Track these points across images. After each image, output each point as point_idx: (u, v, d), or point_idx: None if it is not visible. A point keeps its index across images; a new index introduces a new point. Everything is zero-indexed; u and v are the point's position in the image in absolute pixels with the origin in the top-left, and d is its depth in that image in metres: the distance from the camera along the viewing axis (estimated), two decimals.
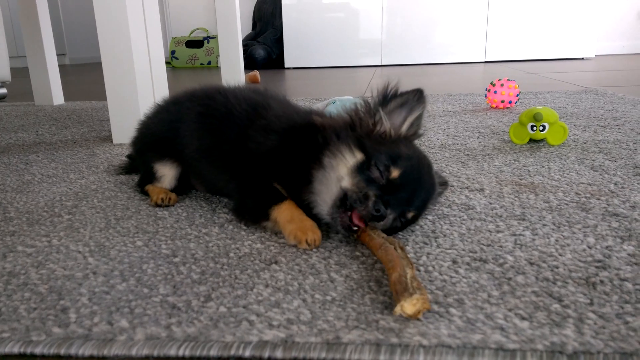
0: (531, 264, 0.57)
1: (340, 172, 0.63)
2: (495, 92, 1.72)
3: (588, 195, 0.80)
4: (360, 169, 0.62)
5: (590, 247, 0.60)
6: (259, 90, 0.83)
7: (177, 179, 0.82)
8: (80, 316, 0.47)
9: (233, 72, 2.10)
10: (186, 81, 3.45)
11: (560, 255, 0.59)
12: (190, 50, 4.71)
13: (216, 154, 0.76)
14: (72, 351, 0.43)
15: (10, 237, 0.68)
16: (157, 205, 0.78)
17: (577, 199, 0.78)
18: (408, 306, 0.46)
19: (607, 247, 0.60)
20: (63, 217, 0.75)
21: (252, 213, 0.69)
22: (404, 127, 0.68)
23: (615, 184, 0.85)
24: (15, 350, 0.43)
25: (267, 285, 0.53)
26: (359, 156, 0.63)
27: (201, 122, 0.78)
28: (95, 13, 1.20)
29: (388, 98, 0.66)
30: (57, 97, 2.15)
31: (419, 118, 0.69)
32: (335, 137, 0.66)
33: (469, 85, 2.52)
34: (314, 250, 0.61)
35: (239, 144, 0.73)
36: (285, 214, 0.65)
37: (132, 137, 0.88)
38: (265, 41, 4.51)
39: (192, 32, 4.88)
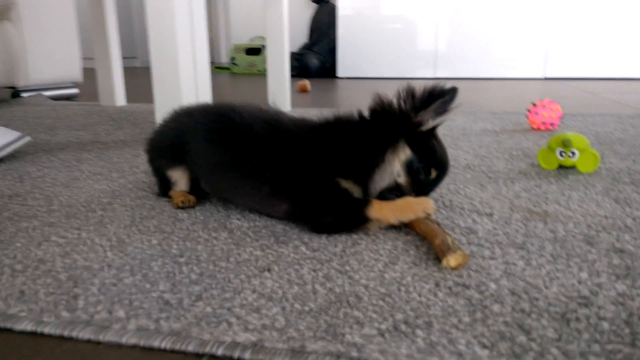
0: (513, 293, 0.58)
1: (396, 168, 0.76)
2: (536, 113, 1.69)
3: (600, 228, 0.79)
4: (410, 168, 0.76)
5: (580, 282, 0.61)
6: (264, 108, 0.88)
7: (191, 181, 0.88)
8: (87, 304, 0.54)
9: (279, 80, 2.17)
10: (245, 85, 3.58)
11: (546, 287, 0.60)
12: (249, 57, 4.88)
13: (243, 170, 0.81)
14: (74, 334, 0.49)
15: (48, 227, 0.77)
16: (178, 207, 0.85)
17: (587, 231, 0.78)
18: (452, 260, 0.63)
19: (597, 284, 0.61)
20: (96, 213, 0.83)
21: (344, 225, 0.75)
22: (435, 122, 0.78)
23: (634, 218, 0.84)
24: (29, 328, 0.50)
25: (254, 291, 0.58)
26: (408, 153, 0.76)
27: (218, 138, 0.83)
28: (148, 22, 1.28)
29: (432, 99, 0.76)
30: (120, 98, 2.31)
31: (448, 114, 0.79)
32: (390, 129, 0.76)
33: (518, 103, 2.47)
34: (307, 261, 0.66)
35: (273, 159, 0.78)
36: (381, 207, 0.74)
37: (145, 146, 0.94)
38: (320, 51, 4.60)
39: (252, 40, 5.05)
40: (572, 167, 1.16)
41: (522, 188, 1.01)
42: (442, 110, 0.76)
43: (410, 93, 0.76)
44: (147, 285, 0.58)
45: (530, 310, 0.55)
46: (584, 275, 0.63)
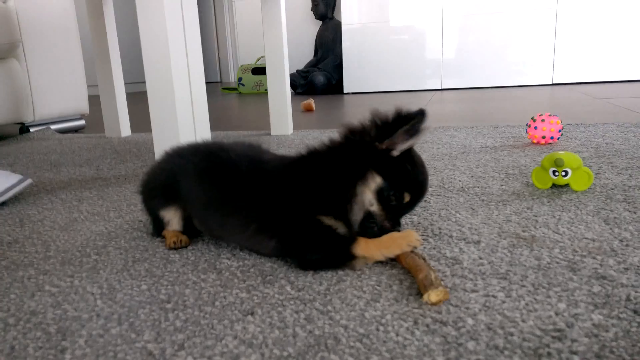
0: (489, 329, 0.59)
1: (367, 198, 0.76)
2: (535, 127, 1.69)
3: (585, 253, 0.79)
4: (381, 195, 0.76)
5: (557, 314, 0.62)
6: (251, 145, 0.91)
7: (184, 220, 0.90)
8: (73, 357, 0.56)
9: (280, 101, 2.20)
10: (251, 106, 3.62)
11: (523, 321, 0.60)
12: (256, 77, 4.95)
13: (231, 209, 0.83)
14: None
15: (43, 275, 0.79)
16: (171, 248, 0.87)
17: (572, 257, 0.78)
18: (433, 295, 0.64)
19: (574, 315, 0.61)
20: (91, 258, 0.86)
21: (331, 262, 0.77)
22: (406, 145, 0.77)
23: (621, 240, 0.84)
24: None
25: (235, 337, 0.59)
26: (378, 180, 0.75)
27: (207, 177, 0.86)
28: (142, 47, 1.30)
29: (398, 124, 0.75)
30: (125, 129, 2.36)
31: (419, 137, 0.77)
32: (357, 160, 0.76)
33: (522, 115, 2.47)
34: (291, 302, 0.67)
35: (258, 198, 0.80)
36: (367, 244, 0.75)
37: (138, 187, 0.96)
38: (326, 67, 4.64)
39: (257, 60, 5.12)
40: (566, 186, 1.17)
41: (513, 211, 1.01)
42: (412, 134, 0.75)
43: (374, 121, 0.77)
44: (133, 335, 0.60)
45: (504, 346, 0.55)
46: (562, 305, 0.63)
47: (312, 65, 4.85)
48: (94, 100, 2.70)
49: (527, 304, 0.64)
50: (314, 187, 0.77)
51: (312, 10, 4.92)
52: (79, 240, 0.95)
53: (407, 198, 0.76)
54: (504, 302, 0.65)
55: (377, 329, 0.60)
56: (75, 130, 2.72)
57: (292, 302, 0.67)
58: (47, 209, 1.16)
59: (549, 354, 0.54)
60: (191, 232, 0.92)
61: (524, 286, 0.69)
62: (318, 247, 0.77)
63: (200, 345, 0.58)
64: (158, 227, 0.92)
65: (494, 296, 0.67)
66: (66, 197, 1.27)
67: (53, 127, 2.58)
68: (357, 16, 4.40)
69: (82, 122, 2.77)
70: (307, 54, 5.19)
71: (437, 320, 0.61)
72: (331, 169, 0.78)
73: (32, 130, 2.47)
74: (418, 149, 0.81)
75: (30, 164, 1.75)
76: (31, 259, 0.86)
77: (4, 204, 1.21)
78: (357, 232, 0.80)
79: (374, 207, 0.77)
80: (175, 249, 0.88)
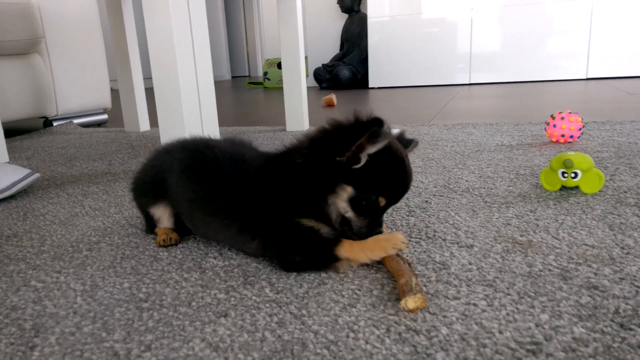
0: (462, 339, 0.57)
1: (341, 206, 0.74)
2: (554, 125, 1.63)
3: (581, 260, 0.76)
4: (354, 203, 0.73)
5: (537, 326, 0.59)
6: (234, 141, 0.90)
7: (174, 217, 0.90)
8: (41, 355, 0.57)
9: (295, 96, 2.19)
10: (274, 99, 3.62)
11: (500, 332, 0.58)
12: (281, 71, 4.94)
13: (213, 207, 0.83)
14: None
15: (32, 270, 0.81)
16: (160, 245, 0.88)
17: (566, 264, 0.75)
18: (411, 302, 0.62)
19: (555, 327, 0.58)
20: (82, 253, 0.87)
21: (313, 264, 0.76)
22: (370, 152, 0.70)
23: (622, 247, 0.80)
24: None
25: (203, 340, 0.59)
26: (349, 190, 0.73)
27: (192, 174, 0.85)
28: (148, 41, 1.30)
29: (354, 135, 0.69)
30: (144, 123, 2.39)
31: (384, 140, 0.70)
32: (322, 175, 0.73)
33: (548, 112, 2.39)
34: (266, 305, 0.66)
35: (239, 197, 0.79)
36: (351, 246, 0.74)
37: (130, 184, 0.97)
38: (351, 61, 4.60)
39: None
40: (576, 188, 1.12)
41: (515, 214, 0.98)
42: (373, 142, 0.68)
43: (331, 134, 0.72)
44: (104, 334, 0.60)
45: (474, 359, 0.53)
46: (544, 317, 0.61)
47: (338, 59, 4.82)
48: (117, 95, 2.75)
49: (507, 314, 0.62)
50: (289, 191, 0.76)
51: (338, 3, 4.88)
52: (74, 236, 0.96)
53: (382, 202, 0.73)
54: (484, 311, 0.63)
55: (347, 336, 0.59)
56: (98, 124, 2.78)
57: (267, 305, 0.66)
58: (52, 203, 1.19)
59: None
60: (183, 230, 0.92)
61: (508, 294, 0.66)
62: (300, 249, 0.75)
63: (167, 347, 0.57)
64: (150, 224, 0.92)
65: (474, 304, 0.64)
66: (73, 191, 1.30)
67: (76, 121, 2.64)
68: (387, 9, 4.34)
69: (105, 116, 2.82)
70: (333, 48, 5.15)
71: (411, 328, 0.59)
72: (301, 181, 0.75)
73: (55, 124, 2.53)
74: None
75: (47, 158, 1.79)
76: (25, 254, 0.88)
77: (12, 197, 1.24)
78: (341, 233, 0.78)
79: (349, 214, 0.75)
80: (165, 246, 0.88)
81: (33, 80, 2.35)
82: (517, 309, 0.63)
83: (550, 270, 0.73)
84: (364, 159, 0.71)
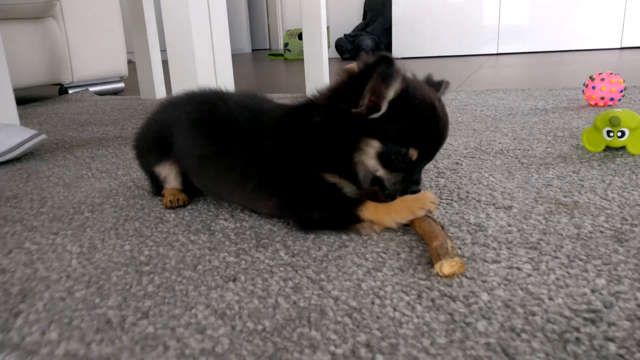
0: (507, 306, 0.49)
1: (370, 164, 0.66)
2: (593, 87, 1.50)
3: (637, 222, 0.66)
4: (384, 159, 0.65)
5: (593, 292, 0.50)
6: (248, 93, 0.81)
7: (182, 176, 0.82)
8: (25, 322, 0.50)
9: (316, 66, 2.09)
10: (295, 71, 3.53)
11: (550, 299, 0.50)
12: (302, 42, 4.81)
13: (227, 164, 0.75)
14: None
15: (28, 232, 0.75)
16: (167, 207, 0.81)
17: (619, 226, 0.65)
18: (447, 266, 0.54)
19: (614, 294, 0.50)
20: (83, 215, 0.80)
21: (333, 223, 0.68)
22: (390, 96, 0.62)
23: None
24: None
25: (208, 306, 0.52)
26: (376, 145, 0.65)
27: (202, 129, 0.78)
28: (162, 11, 1.23)
29: (362, 81, 0.62)
30: (160, 91, 2.32)
31: (396, 79, 0.62)
32: (344, 128, 0.65)
33: (583, 77, 2.25)
34: (280, 269, 0.59)
35: (257, 152, 0.72)
36: (376, 208, 0.66)
37: (132, 141, 0.89)
38: (374, 31, 4.45)
39: None
40: (622, 148, 1.02)
41: (556, 175, 0.88)
42: (387, 82, 0.61)
43: (340, 85, 0.65)
44: (97, 300, 0.54)
45: (522, 328, 0.45)
46: (600, 282, 0.52)
47: (361, 29, 4.66)
48: (134, 67, 2.68)
49: (557, 279, 0.53)
50: (312, 144, 0.68)
51: None
52: (77, 197, 0.90)
53: (414, 155, 0.65)
54: (529, 275, 0.54)
55: (373, 302, 0.51)
56: (115, 92, 2.72)
57: (282, 269, 0.59)
58: (58, 166, 1.13)
59: (577, 339, 0.43)
60: (192, 191, 0.85)
61: (556, 258, 0.58)
62: (320, 205, 0.68)
63: (166, 314, 0.51)
64: (156, 185, 0.85)
65: (518, 268, 0.56)
66: (81, 154, 1.24)
67: (92, 89, 2.58)
68: None
69: (121, 84, 2.76)
70: (355, 18, 4.98)
71: (445, 294, 0.52)
72: (323, 139, 0.67)
73: (70, 92, 2.48)
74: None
75: (58, 123, 1.74)
76: (22, 215, 0.82)
77: (17, 159, 1.18)
78: (367, 194, 0.70)
79: (380, 172, 0.67)
80: (172, 208, 0.81)
81: (47, 46, 2.28)
82: (567, 273, 0.54)
83: (601, 232, 0.64)
84: (384, 107, 0.62)
